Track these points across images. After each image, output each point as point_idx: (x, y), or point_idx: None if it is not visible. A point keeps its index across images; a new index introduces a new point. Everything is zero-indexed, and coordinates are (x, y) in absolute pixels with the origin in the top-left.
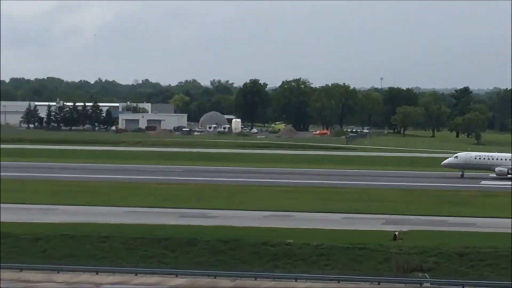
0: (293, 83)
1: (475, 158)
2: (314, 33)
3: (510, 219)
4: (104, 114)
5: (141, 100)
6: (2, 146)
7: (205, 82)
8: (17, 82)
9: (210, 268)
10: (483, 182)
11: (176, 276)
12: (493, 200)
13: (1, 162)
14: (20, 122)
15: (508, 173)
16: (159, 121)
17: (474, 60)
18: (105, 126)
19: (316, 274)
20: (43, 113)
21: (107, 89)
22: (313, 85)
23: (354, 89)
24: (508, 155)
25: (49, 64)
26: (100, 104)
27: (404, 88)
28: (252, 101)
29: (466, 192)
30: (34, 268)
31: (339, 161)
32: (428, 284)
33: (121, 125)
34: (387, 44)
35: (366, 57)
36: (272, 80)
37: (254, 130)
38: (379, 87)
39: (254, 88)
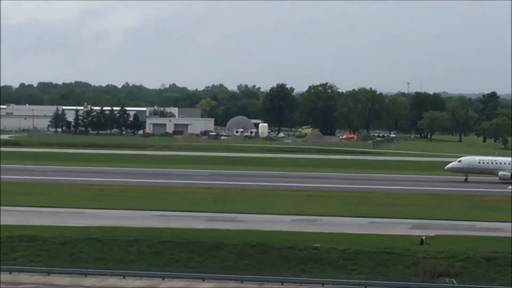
0: (320, 88)
1: (479, 162)
2: (340, 38)
3: None
4: (131, 118)
5: (168, 105)
6: (31, 150)
7: (232, 86)
8: (45, 86)
9: (237, 272)
10: (510, 187)
11: (203, 280)
12: None
13: (31, 166)
14: (48, 126)
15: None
16: (186, 125)
17: (501, 65)
18: (133, 130)
19: (343, 279)
20: (70, 117)
21: (134, 94)
22: (340, 90)
23: (380, 94)
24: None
25: (77, 68)
26: (127, 108)
27: (431, 93)
28: (279, 106)
29: (493, 197)
30: (62, 272)
31: (366, 166)
32: None
33: (148, 129)
34: (414, 49)
35: (393, 62)
36: (299, 85)
37: (281, 134)
38: (406, 92)
39: (281, 93)
